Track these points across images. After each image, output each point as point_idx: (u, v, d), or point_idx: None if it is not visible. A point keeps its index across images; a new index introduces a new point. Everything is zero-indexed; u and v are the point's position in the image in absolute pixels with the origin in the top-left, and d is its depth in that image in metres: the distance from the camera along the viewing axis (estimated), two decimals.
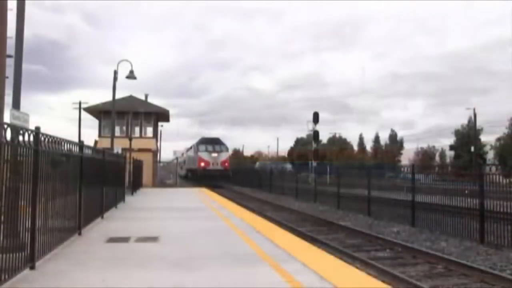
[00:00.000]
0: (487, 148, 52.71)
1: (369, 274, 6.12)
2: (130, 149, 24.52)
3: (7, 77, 6.95)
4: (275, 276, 4.77)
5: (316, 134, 38.92)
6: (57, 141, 5.86)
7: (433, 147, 66.00)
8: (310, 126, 39.65)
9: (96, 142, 31.82)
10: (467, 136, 53.76)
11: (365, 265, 8.40)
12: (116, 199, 12.87)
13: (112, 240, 7.13)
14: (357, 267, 6.65)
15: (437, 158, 64.45)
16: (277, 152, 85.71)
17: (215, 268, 5.16)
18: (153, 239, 7.20)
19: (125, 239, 7.15)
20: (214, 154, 40.24)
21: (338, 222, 14.88)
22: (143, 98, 36.73)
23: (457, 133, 56.73)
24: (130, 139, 26.78)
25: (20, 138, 4.55)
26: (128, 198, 16.35)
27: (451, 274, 7.93)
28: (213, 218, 10.40)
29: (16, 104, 6.44)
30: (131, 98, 34.21)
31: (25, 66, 6.83)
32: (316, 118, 38.29)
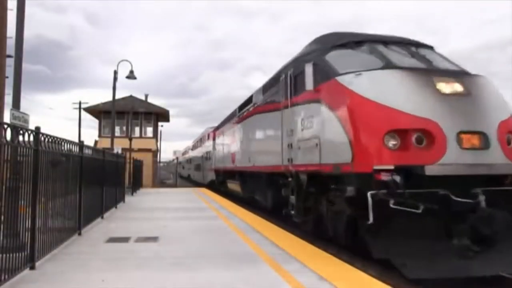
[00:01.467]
0: None
1: (369, 274, 6.12)
2: (130, 149, 24.55)
3: (7, 77, 6.97)
4: (275, 276, 4.77)
5: None
6: (57, 141, 5.86)
7: None
8: None
9: (96, 142, 31.84)
10: None
11: (365, 265, 8.38)
12: (116, 199, 12.88)
13: (112, 240, 7.14)
14: (357, 267, 6.65)
15: None
16: None
17: (215, 268, 5.15)
18: (153, 239, 7.20)
19: (125, 239, 7.16)
20: (461, 88, 5.77)
21: None
22: (143, 98, 36.75)
23: None
24: (130, 139, 26.81)
25: (20, 138, 4.56)
26: (128, 198, 16.36)
27: None
28: (213, 218, 10.39)
29: (16, 104, 6.44)
30: (131, 98, 34.20)
31: (25, 66, 6.83)
32: None
